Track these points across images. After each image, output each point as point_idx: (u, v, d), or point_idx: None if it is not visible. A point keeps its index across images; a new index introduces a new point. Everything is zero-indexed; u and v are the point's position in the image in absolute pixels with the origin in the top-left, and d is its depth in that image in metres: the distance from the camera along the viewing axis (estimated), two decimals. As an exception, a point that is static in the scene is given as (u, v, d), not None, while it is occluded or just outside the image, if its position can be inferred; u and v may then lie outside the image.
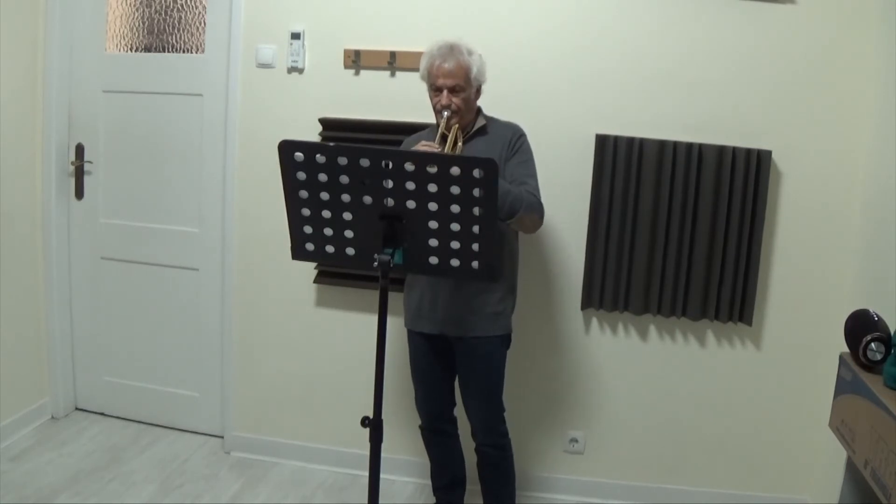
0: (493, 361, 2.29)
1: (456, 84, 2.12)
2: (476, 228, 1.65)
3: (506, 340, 2.32)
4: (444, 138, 2.12)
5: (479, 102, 2.27)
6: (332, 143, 1.65)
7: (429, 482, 2.56)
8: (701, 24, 2.54)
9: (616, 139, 2.56)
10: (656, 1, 2.55)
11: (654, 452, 2.78)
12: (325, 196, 1.67)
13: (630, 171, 2.56)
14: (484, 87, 2.25)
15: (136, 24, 3.01)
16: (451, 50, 2.14)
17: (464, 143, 2.20)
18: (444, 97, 2.12)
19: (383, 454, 1.75)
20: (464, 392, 2.35)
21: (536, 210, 2.16)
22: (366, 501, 1.77)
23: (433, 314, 2.25)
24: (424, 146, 2.07)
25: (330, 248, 1.75)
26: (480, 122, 2.25)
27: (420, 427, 2.46)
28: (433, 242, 1.68)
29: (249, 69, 2.80)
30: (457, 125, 2.15)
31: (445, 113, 2.12)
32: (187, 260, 3.05)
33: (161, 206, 3.05)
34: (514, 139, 2.23)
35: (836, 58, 2.50)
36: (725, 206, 2.54)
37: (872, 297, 2.32)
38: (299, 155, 1.64)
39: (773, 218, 2.59)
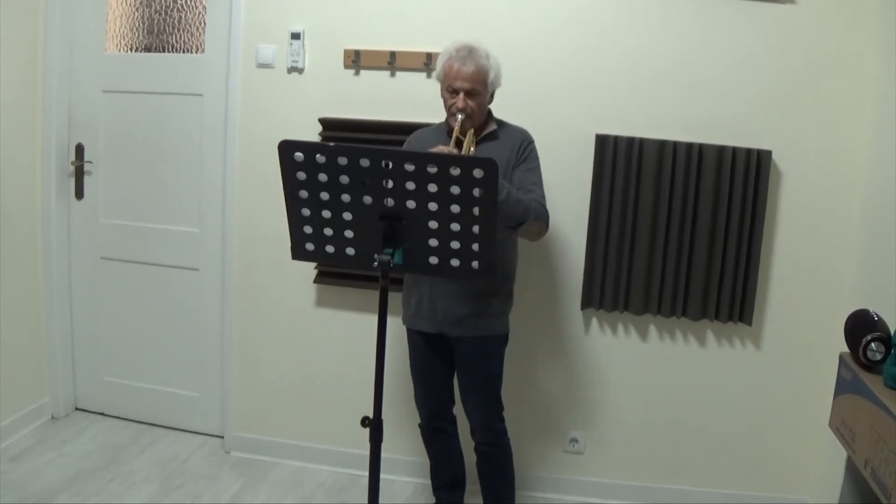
0: (493, 360, 2.30)
1: (474, 88, 2.11)
2: (476, 228, 1.65)
3: (504, 339, 2.33)
4: (458, 142, 2.11)
5: None
6: (332, 143, 1.65)
7: (429, 482, 2.56)
8: (701, 25, 2.54)
9: (616, 139, 2.56)
10: (656, 1, 2.55)
11: (654, 452, 2.78)
12: (325, 196, 1.67)
13: (630, 171, 2.56)
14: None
15: (136, 24, 3.01)
16: (471, 52, 2.12)
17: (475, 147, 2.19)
18: (460, 100, 2.10)
19: (383, 454, 1.75)
20: (463, 391, 2.35)
21: (543, 218, 2.17)
22: (366, 501, 1.77)
23: (432, 314, 2.25)
24: (441, 150, 2.05)
25: (330, 248, 1.75)
26: (492, 127, 2.24)
27: (420, 426, 2.46)
28: (433, 242, 1.68)
29: (249, 69, 2.80)
30: (472, 130, 2.15)
31: (459, 116, 2.10)
32: (187, 260, 3.05)
33: (161, 206, 3.05)
34: (524, 146, 2.23)
35: (836, 58, 2.50)
36: (725, 206, 2.54)
37: (872, 297, 2.32)
38: (299, 155, 1.64)
39: (773, 218, 2.59)
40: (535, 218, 2.12)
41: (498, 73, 2.18)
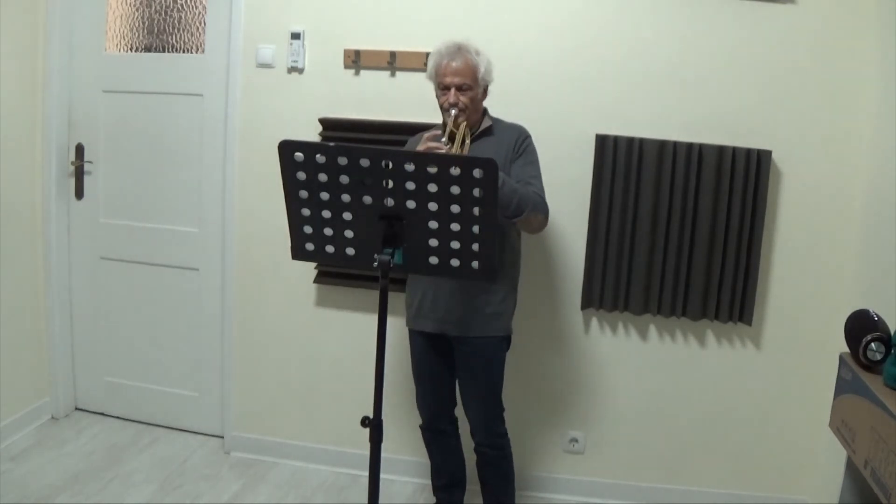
0: (493, 362, 2.29)
1: (463, 82, 2.14)
2: (476, 228, 1.65)
3: (506, 341, 2.32)
4: (452, 137, 2.12)
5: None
6: (332, 143, 1.65)
7: (429, 482, 2.56)
8: (701, 24, 2.54)
9: (616, 139, 2.56)
10: (657, 1, 2.55)
11: (654, 452, 2.78)
12: (325, 196, 1.67)
13: (630, 171, 2.56)
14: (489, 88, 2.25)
15: (136, 24, 3.01)
16: (459, 49, 2.16)
17: (470, 143, 2.21)
18: (452, 95, 2.14)
19: (383, 454, 1.75)
20: (463, 392, 2.35)
21: (542, 210, 2.17)
22: (366, 501, 1.77)
23: (434, 313, 2.25)
24: (431, 141, 2.07)
25: (330, 248, 1.75)
26: (486, 123, 2.25)
27: (420, 427, 2.46)
28: (433, 242, 1.68)
29: (249, 69, 2.81)
30: (465, 123, 2.16)
31: (453, 111, 2.13)
32: (187, 260, 3.05)
33: (161, 206, 3.05)
34: (521, 140, 2.24)
35: (836, 58, 2.50)
36: (725, 206, 2.54)
37: (872, 297, 2.32)
38: (299, 155, 1.64)
39: (773, 218, 2.59)
40: (533, 209, 2.12)
41: (488, 69, 2.20)
